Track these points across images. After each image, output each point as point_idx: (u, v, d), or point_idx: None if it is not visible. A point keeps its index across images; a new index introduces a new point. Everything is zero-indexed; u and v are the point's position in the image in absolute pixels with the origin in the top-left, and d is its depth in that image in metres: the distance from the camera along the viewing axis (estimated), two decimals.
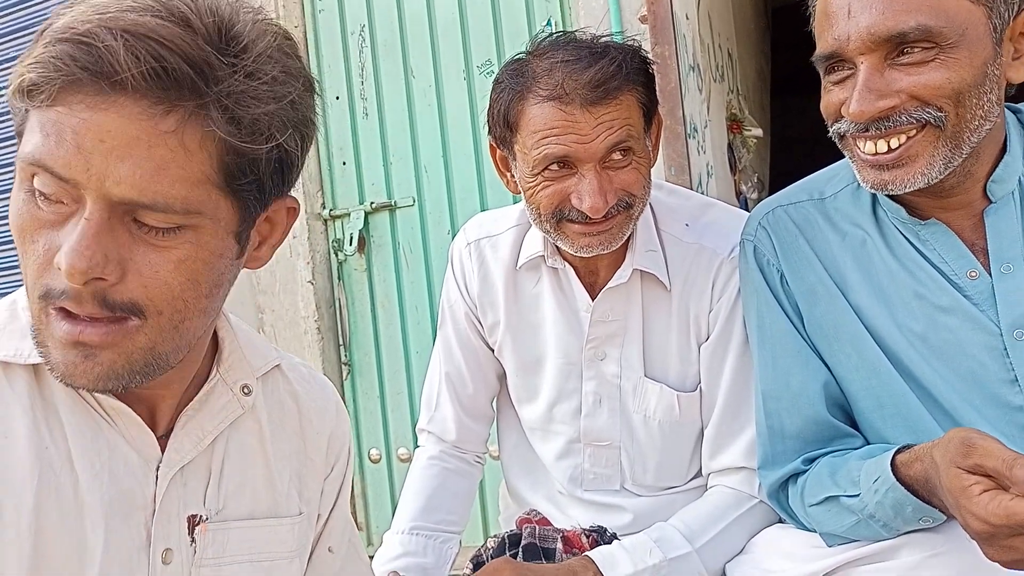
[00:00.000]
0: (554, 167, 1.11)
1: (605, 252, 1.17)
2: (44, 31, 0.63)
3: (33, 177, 0.63)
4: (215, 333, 0.81)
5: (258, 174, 0.67)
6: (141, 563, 0.73)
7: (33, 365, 0.70)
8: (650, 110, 1.16)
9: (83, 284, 0.61)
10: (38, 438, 0.69)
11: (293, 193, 0.76)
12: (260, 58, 0.64)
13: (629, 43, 1.18)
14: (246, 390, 0.80)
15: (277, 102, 0.65)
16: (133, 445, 0.73)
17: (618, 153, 1.11)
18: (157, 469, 0.74)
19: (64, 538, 0.69)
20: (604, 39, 1.17)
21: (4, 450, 0.68)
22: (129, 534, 0.72)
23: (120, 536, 0.71)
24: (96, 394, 0.71)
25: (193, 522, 0.76)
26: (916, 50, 0.90)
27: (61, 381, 0.66)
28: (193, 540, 0.76)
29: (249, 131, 0.64)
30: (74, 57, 0.59)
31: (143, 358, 0.66)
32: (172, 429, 0.76)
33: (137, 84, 0.59)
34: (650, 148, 1.19)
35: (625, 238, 1.17)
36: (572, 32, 1.19)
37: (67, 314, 0.63)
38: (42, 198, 0.63)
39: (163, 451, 0.75)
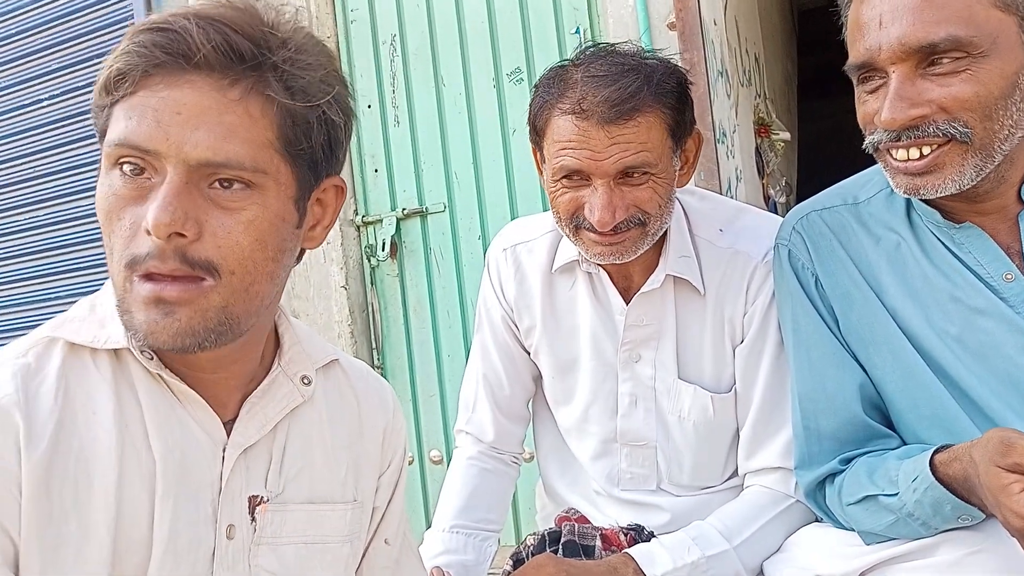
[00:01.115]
0: (571, 177, 1.14)
1: (619, 262, 1.19)
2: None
3: (119, 159, 0.70)
4: (275, 329, 0.86)
5: (311, 143, 0.76)
6: (208, 537, 0.78)
7: (115, 352, 0.77)
8: (679, 130, 1.16)
9: (166, 239, 0.68)
10: (121, 416, 0.75)
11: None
12: (304, 38, 0.75)
13: (668, 61, 1.18)
14: (306, 380, 0.86)
15: (322, 70, 0.76)
16: (203, 427, 0.79)
17: (635, 172, 1.12)
18: (224, 451, 0.79)
19: (142, 508, 0.74)
20: (646, 55, 1.17)
21: (92, 426, 0.73)
22: (197, 509, 0.77)
23: (188, 510, 0.77)
24: (168, 379, 0.77)
25: (254, 502, 0.81)
26: (947, 60, 0.91)
27: (143, 343, 0.72)
28: (254, 519, 0.81)
29: (302, 97, 0.73)
30: (155, 42, 0.69)
31: (216, 317, 0.72)
32: (237, 416, 0.81)
33: (208, 61, 0.69)
34: (677, 168, 1.18)
35: (640, 252, 1.18)
36: (615, 45, 1.19)
37: (148, 278, 0.70)
38: (126, 176, 0.70)
39: (228, 436, 0.80)
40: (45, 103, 3.41)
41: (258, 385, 0.83)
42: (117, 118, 0.71)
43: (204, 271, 0.70)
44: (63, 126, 3.35)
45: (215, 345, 0.74)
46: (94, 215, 0.76)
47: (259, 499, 0.81)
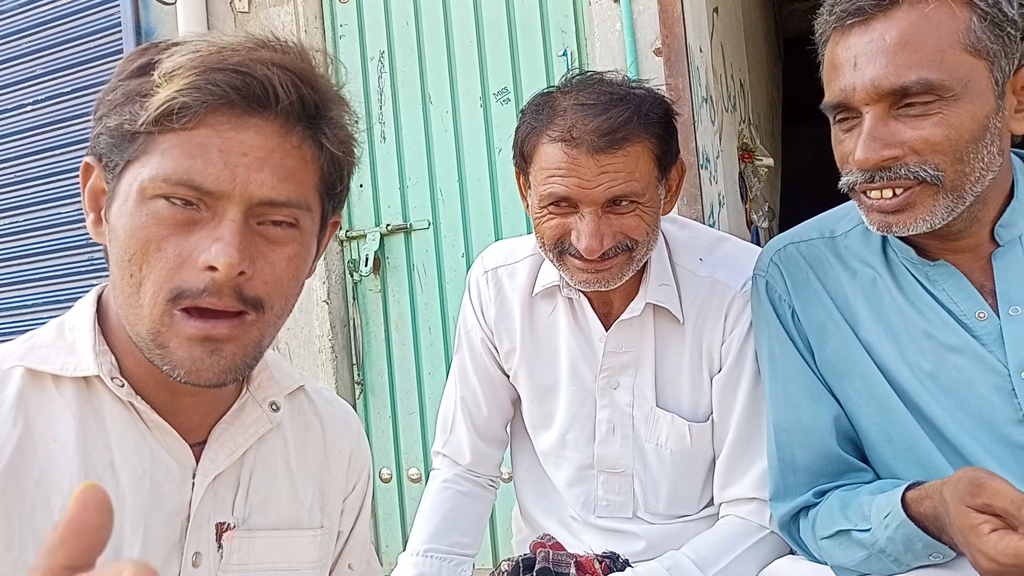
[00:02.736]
0: (559, 203, 1.14)
1: (604, 289, 1.19)
2: (143, 71, 0.72)
3: (165, 193, 0.70)
4: None
5: (343, 186, 0.81)
6: (173, 565, 0.77)
7: (84, 379, 0.76)
8: (665, 159, 1.17)
9: (232, 278, 0.69)
10: (84, 444, 0.74)
11: None
12: (339, 89, 0.79)
13: (655, 91, 1.19)
14: (274, 407, 0.85)
15: (353, 125, 0.81)
16: (172, 454, 0.78)
17: (623, 201, 1.12)
18: (193, 477, 0.78)
19: None
20: (633, 84, 1.18)
21: (54, 454, 0.73)
22: (165, 536, 0.77)
23: (157, 538, 0.76)
24: (140, 407, 0.76)
25: (221, 529, 0.80)
26: (919, 102, 0.92)
27: (183, 380, 0.72)
28: (220, 546, 0.80)
29: (344, 148, 0.79)
30: (231, 84, 0.70)
31: (254, 351, 0.74)
32: (204, 440, 0.80)
33: (277, 107, 0.72)
34: (662, 196, 1.19)
35: (625, 279, 1.18)
36: (602, 74, 1.20)
37: (194, 313, 0.70)
38: (171, 207, 0.70)
39: (196, 461, 0.79)
40: (29, 108, 3.39)
41: (227, 408, 0.82)
42: (165, 151, 0.70)
43: (253, 307, 0.72)
44: (50, 130, 3.33)
45: (243, 377, 0.76)
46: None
47: (226, 526, 0.81)
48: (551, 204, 1.14)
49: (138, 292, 0.71)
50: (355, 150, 0.81)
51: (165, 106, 0.68)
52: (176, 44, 0.73)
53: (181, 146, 0.70)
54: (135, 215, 0.71)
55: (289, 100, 0.72)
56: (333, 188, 0.79)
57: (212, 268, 0.69)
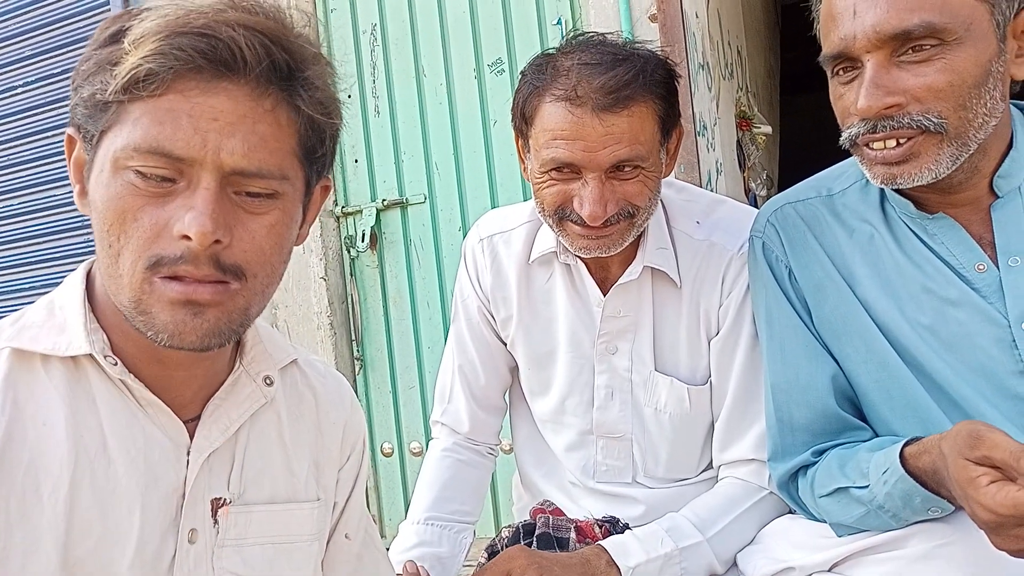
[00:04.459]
0: (561, 169, 1.12)
1: (604, 256, 1.18)
2: (115, 38, 0.69)
3: (138, 163, 0.69)
4: None
5: (324, 149, 0.78)
6: (169, 542, 0.77)
7: (72, 358, 0.74)
8: (668, 122, 1.15)
9: (206, 247, 0.68)
10: (74, 426, 0.73)
11: None
12: (318, 48, 0.76)
13: (657, 53, 1.17)
14: (268, 381, 0.84)
15: (334, 85, 0.78)
16: (165, 432, 0.77)
17: (626, 166, 1.11)
18: (187, 454, 0.78)
19: (97, 520, 0.72)
20: (635, 46, 1.16)
21: (43, 437, 0.71)
22: (161, 515, 0.76)
23: (153, 517, 0.75)
24: (132, 385, 0.75)
25: (216, 505, 0.80)
26: (922, 48, 0.91)
27: (167, 344, 0.71)
28: (216, 522, 0.79)
29: (323, 110, 0.76)
30: (196, 47, 0.68)
31: (239, 318, 0.73)
32: (197, 417, 0.79)
33: (247, 70, 0.69)
34: (664, 160, 1.18)
35: (626, 244, 1.17)
36: (603, 34, 1.17)
37: (175, 279, 0.69)
38: (145, 179, 0.69)
39: (191, 437, 0.78)
40: (19, 90, 3.36)
41: (220, 383, 0.82)
42: (136, 120, 0.68)
43: (232, 275, 0.71)
44: (41, 112, 3.30)
45: (228, 343, 0.74)
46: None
47: (221, 501, 0.80)
48: (553, 170, 1.12)
49: (117, 262, 0.70)
50: (337, 111, 0.78)
51: (131, 74, 0.67)
52: (147, 9, 0.71)
53: (150, 114, 0.68)
54: (110, 185, 0.70)
55: (259, 62, 0.69)
56: (313, 152, 0.77)
57: (187, 237, 0.68)
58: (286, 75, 0.72)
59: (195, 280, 0.69)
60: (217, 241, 0.69)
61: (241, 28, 0.69)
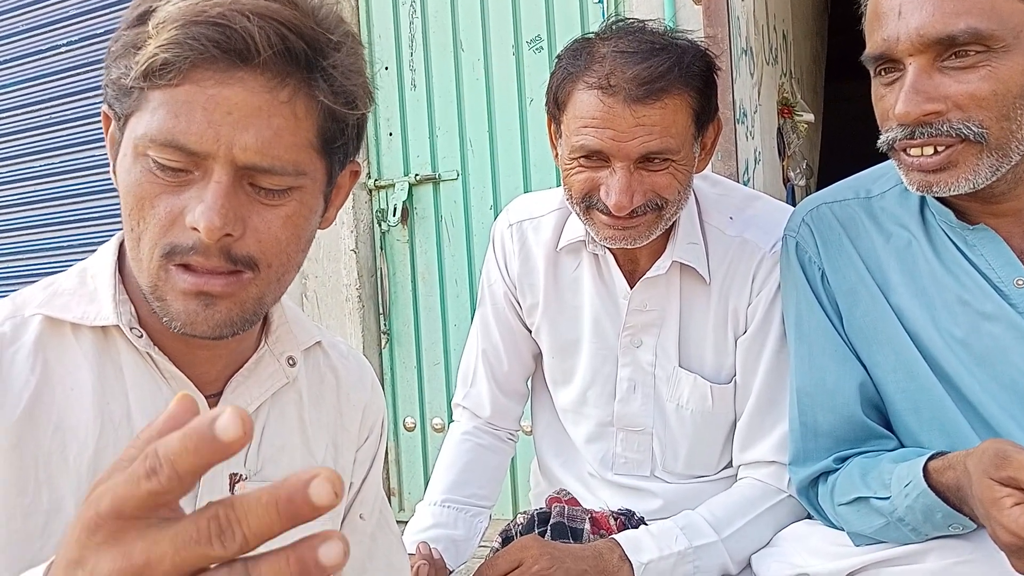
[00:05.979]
0: (590, 156, 1.11)
1: (629, 247, 1.17)
2: (142, 19, 0.69)
3: (154, 154, 0.69)
4: None
5: (346, 138, 0.76)
6: None
7: (102, 328, 0.76)
8: (704, 115, 1.13)
9: (216, 240, 0.68)
10: (101, 393, 0.74)
11: None
12: (346, 35, 0.74)
13: (697, 43, 1.14)
14: (291, 361, 0.85)
15: (361, 75, 0.75)
16: None
17: (656, 158, 1.09)
18: None
19: None
20: (675, 35, 1.14)
21: (71, 402, 0.73)
22: None
23: None
24: (157, 357, 0.76)
25: (233, 480, 0.81)
26: (967, 53, 0.88)
27: (180, 331, 0.72)
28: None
29: (345, 100, 0.73)
30: (210, 37, 0.66)
31: (253, 308, 0.73)
32: (220, 392, 0.81)
33: (262, 60, 0.68)
34: (698, 154, 1.16)
35: (653, 237, 1.16)
36: (643, 22, 1.15)
37: (188, 268, 0.70)
38: (162, 169, 0.69)
39: None
40: (52, 52, 3.40)
41: (244, 361, 0.83)
42: (155, 108, 0.68)
43: (245, 266, 0.71)
44: (73, 75, 3.34)
45: (244, 331, 0.75)
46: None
47: (238, 476, 0.81)
48: (582, 156, 1.11)
49: (138, 245, 0.71)
50: (363, 98, 0.76)
51: (148, 63, 0.67)
52: None
53: (168, 104, 0.68)
54: (131, 171, 0.70)
55: (274, 51, 0.67)
56: (333, 142, 0.75)
57: (197, 229, 0.68)
58: (304, 64, 0.70)
59: (206, 271, 0.70)
60: (228, 234, 0.69)
61: (256, 16, 0.67)
